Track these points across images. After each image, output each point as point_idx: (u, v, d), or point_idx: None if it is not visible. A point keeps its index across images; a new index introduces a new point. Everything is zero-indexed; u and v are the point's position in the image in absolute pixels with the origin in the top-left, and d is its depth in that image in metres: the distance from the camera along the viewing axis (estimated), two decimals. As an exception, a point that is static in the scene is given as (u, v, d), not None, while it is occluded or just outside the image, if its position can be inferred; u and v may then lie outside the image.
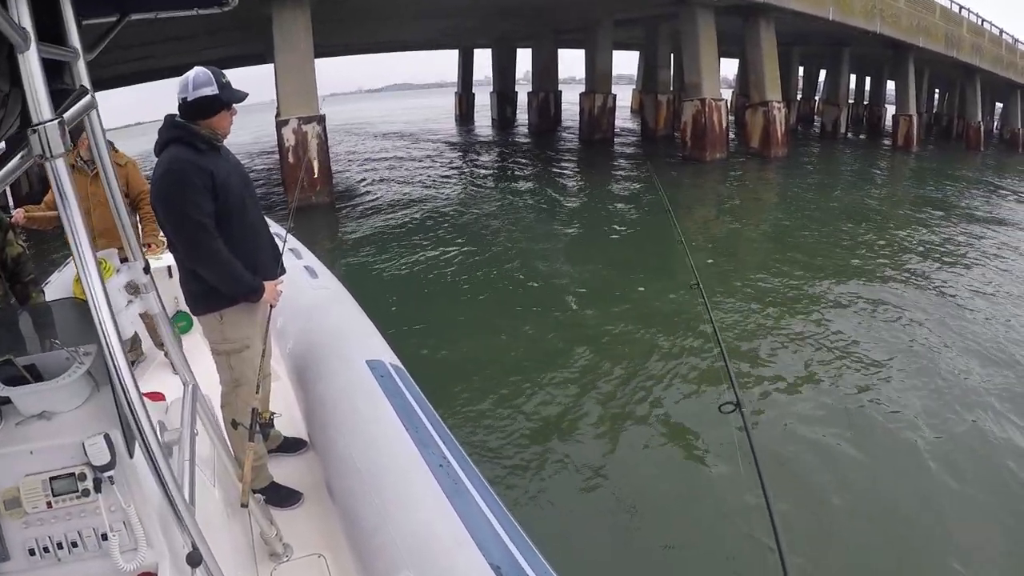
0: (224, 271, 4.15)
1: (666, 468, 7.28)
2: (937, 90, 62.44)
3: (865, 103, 60.49)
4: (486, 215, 20.45)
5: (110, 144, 6.63)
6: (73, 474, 2.51)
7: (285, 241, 5.34)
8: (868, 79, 60.82)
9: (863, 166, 33.28)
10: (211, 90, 4.06)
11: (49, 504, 2.53)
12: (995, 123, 54.94)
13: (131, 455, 2.55)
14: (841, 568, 6.17)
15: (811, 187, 25.82)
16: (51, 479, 2.52)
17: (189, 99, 4.07)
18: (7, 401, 2.66)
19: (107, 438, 2.45)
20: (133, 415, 2.20)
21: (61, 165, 1.93)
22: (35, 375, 2.68)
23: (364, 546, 3.55)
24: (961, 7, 43.65)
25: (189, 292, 4.40)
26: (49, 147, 1.87)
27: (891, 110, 42.96)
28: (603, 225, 19.19)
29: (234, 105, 4.19)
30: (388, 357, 5.10)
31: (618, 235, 18.06)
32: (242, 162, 4.61)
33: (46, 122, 1.85)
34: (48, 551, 2.61)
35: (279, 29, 21.16)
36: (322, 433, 4.60)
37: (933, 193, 25.15)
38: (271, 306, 4.61)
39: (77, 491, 2.52)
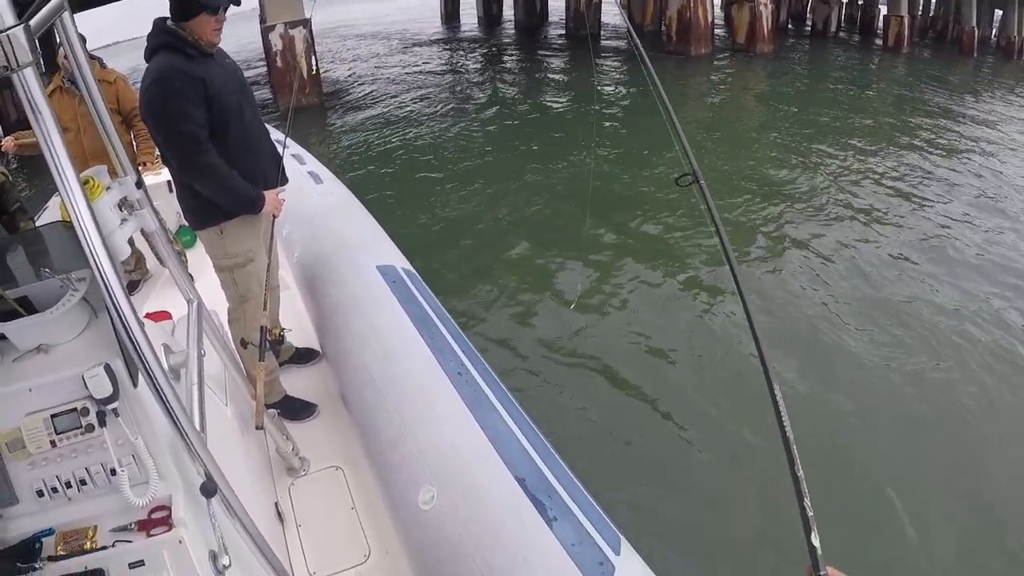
0: (220, 183, 4.11)
1: (682, 372, 7.45)
2: None
3: (859, 2, 59.46)
4: (467, 109, 20.99)
5: (98, 60, 6.79)
6: (75, 409, 2.46)
7: (285, 147, 5.20)
8: None
9: (847, 64, 33.52)
10: None
11: (53, 443, 2.49)
12: (993, 30, 54.61)
13: (135, 384, 2.49)
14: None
15: (790, 82, 26.20)
16: (52, 416, 2.47)
17: None
18: (2, 338, 2.63)
19: (108, 368, 2.39)
20: (133, 342, 2.20)
21: (31, 76, 1.87)
22: (28, 307, 2.65)
23: (384, 460, 3.61)
24: None
25: (187, 207, 4.39)
26: (15, 56, 1.79)
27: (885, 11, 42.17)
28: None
29: (222, 11, 4.01)
30: (399, 262, 5.10)
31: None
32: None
33: (9, 28, 1.76)
34: (57, 491, 2.57)
35: None
36: (335, 343, 4.63)
37: (910, 93, 25.39)
38: (274, 216, 4.57)
39: (80, 427, 2.47)
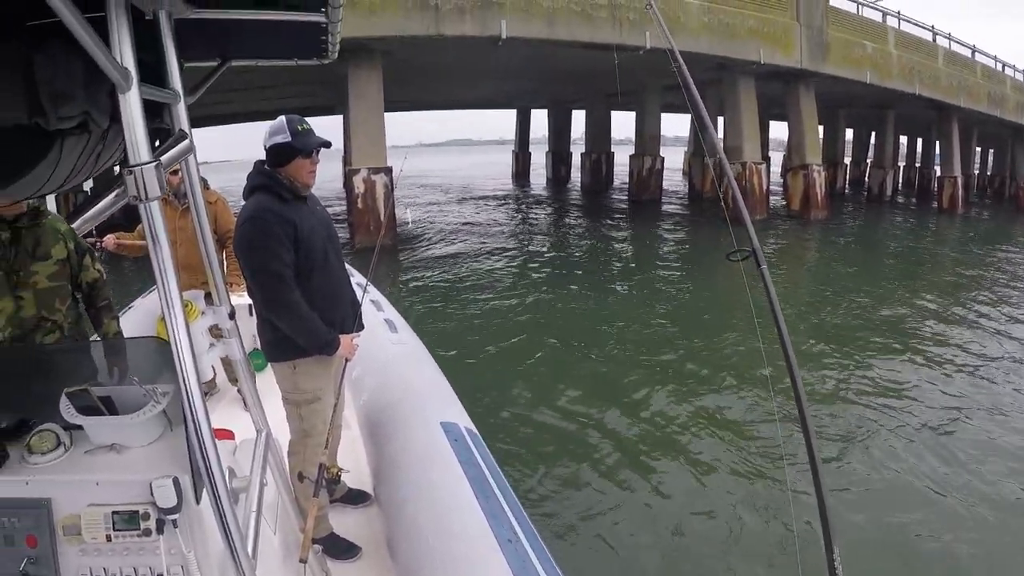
0: (299, 324, 4.19)
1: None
2: (992, 150, 61.59)
3: (917, 165, 59.68)
4: (535, 262, 21.77)
5: (203, 181, 6.65)
6: (136, 512, 2.49)
7: (365, 291, 5.33)
8: (920, 140, 59.87)
9: (901, 226, 34.12)
10: (283, 137, 4.12)
11: (108, 538, 2.51)
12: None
13: (198, 501, 2.53)
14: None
15: (841, 245, 27.08)
16: (114, 513, 2.50)
17: (266, 146, 4.19)
18: (79, 428, 2.68)
19: (176, 481, 2.44)
20: (206, 464, 2.24)
21: (156, 208, 1.98)
22: (110, 407, 2.70)
23: None
24: (1004, 65, 44.19)
25: (264, 339, 4.45)
26: (145, 189, 1.92)
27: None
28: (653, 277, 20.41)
29: (316, 155, 4.22)
30: (463, 421, 5.04)
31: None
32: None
33: (143, 164, 1.89)
34: None
35: (354, 86, 23.01)
36: (389, 491, 4.61)
37: (964, 251, 26.03)
38: (346, 360, 4.63)
39: (139, 529, 2.50)
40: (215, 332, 3.09)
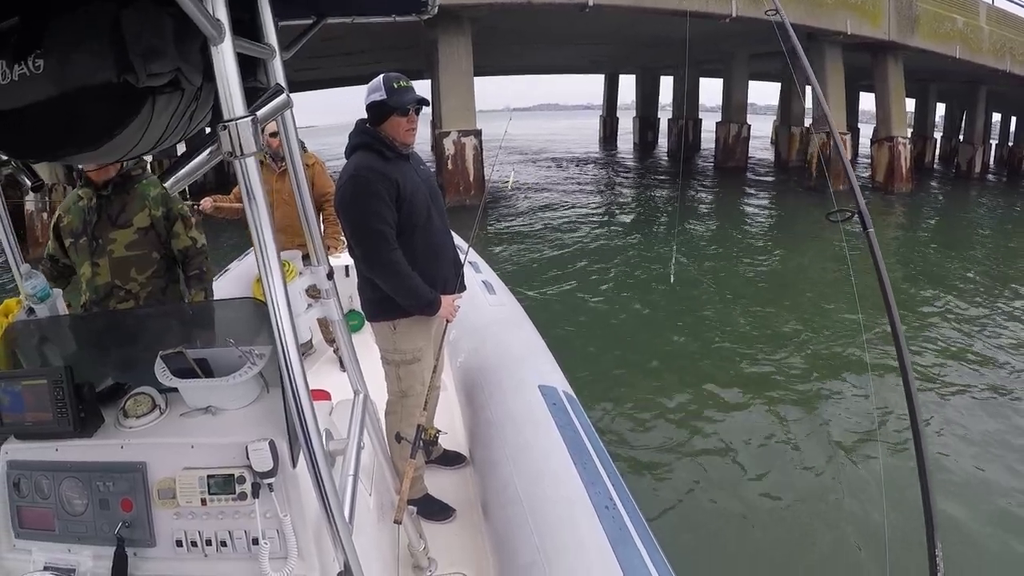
0: (401, 282, 4.16)
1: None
2: None
3: (1010, 144, 56.54)
4: (620, 225, 22.20)
5: (301, 144, 6.74)
6: (232, 475, 2.52)
7: (467, 254, 5.30)
8: (1013, 119, 56.98)
9: (986, 204, 33.38)
10: (379, 95, 4.11)
11: (203, 501, 2.54)
12: None
13: (294, 465, 2.54)
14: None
15: (922, 218, 26.98)
16: (209, 476, 2.53)
17: (365, 104, 4.20)
18: (174, 391, 2.71)
19: (272, 445, 2.45)
20: (303, 427, 2.21)
21: (252, 164, 1.97)
22: (205, 370, 2.71)
23: None
24: None
25: (365, 298, 4.46)
26: (240, 145, 1.89)
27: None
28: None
29: (413, 113, 4.15)
30: (561, 385, 4.95)
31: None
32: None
33: (239, 119, 1.87)
34: (196, 545, 2.60)
35: (444, 51, 23.70)
36: (484, 452, 4.56)
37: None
38: (447, 321, 4.61)
39: (234, 493, 2.52)
40: (312, 293, 3.04)
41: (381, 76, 4.18)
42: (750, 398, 9.21)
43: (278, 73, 2.56)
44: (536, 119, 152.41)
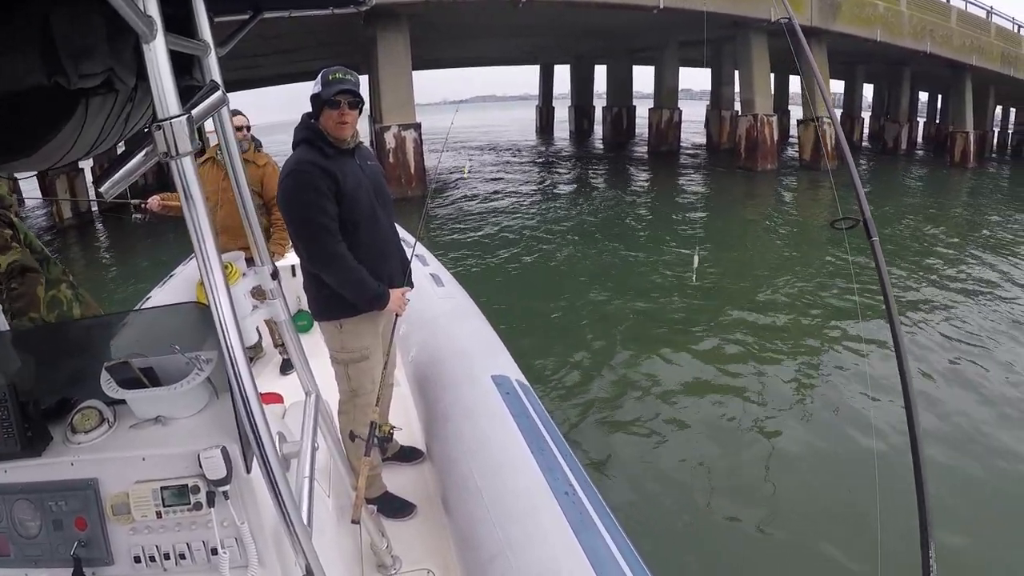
0: (346, 275, 4.09)
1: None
2: (1014, 109, 62.15)
3: (937, 121, 59.95)
4: (558, 211, 22.51)
5: (257, 142, 6.92)
6: (186, 486, 2.46)
7: (414, 249, 5.24)
8: (939, 97, 59.90)
9: (908, 179, 34.72)
10: (315, 88, 4.05)
11: (159, 514, 2.47)
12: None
13: (248, 470, 2.48)
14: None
15: (829, 191, 27.26)
16: (162, 488, 2.46)
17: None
18: (122, 403, 2.61)
19: (224, 451, 2.39)
20: (254, 431, 2.17)
21: (188, 164, 1.91)
22: (152, 379, 2.63)
23: (478, 570, 3.47)
24: (1021, 27, 44.00)
25: (311, 297, 4.37)
26: (175, 144, 1.83)
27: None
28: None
29: (344, 106, 4.02)
30: (514, 373, 4.94)
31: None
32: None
33: (173, 118, 1.81)
34: (154, 559, 2.53)
35: (382, 47, 23.91)
36: (441, 447, 4.48)
37: (974, 205, 26.59)
38: (396, 315, 4.51)
39: (189, 503, 2.46)
40: (257, 294, 2.98)
41: (324, 69, 4.10)
42: (707, 378, 9.23)
43: (214, 70, 2.48)
44: (474, 111, 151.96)
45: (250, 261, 3.05)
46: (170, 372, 2.66)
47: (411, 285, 4.66)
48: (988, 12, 41.58)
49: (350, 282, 4.12)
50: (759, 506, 6.32)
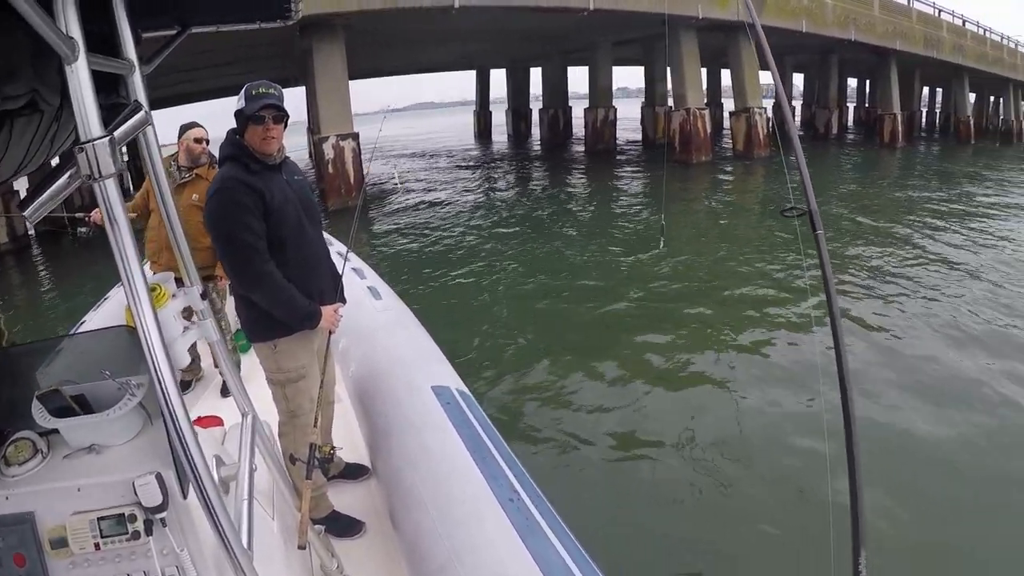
0: (276, 295, 4.00)
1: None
2: (940, 89, 64.63)
3: (866, 105, 63.01)
4: (495, 213, 22.68)
5: (213, 158, 6.58)
6: (123, 515, 2.37)
7: (347, 260, 5.14)
8: (868, 82, 62.80)
9: (837, 162, 35.81)
10: (239, 104, 3.95)
11: (97, 546, 2.39)
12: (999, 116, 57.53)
13: (184, 496, 2.40)
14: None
15: (776, 179, 28.23)
16: (99, 519, 2.37)
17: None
18: (55, 432, 2.54)
19: (159, 478, 2.32)
20: (187, 455, 2.12)
21: (111, 186, 1.88)
22: (85, 406, 2.55)
23: None
24: (940, 10, 45.84)
25: (243, 318, 4.28)
26: (98, 167, 1.80)
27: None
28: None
29: (269, 121, 3.93)
30: (454, 383, 4.91)
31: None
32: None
33: (95, 139, 1.78)
34: None
35: (318, 58, 23.89)
36: (386, 462, 4.44)
37: (906, 182, 27.64)
38: (330, 333, 4.43)
39: (127, 533, 2.37)
40: (189, 315, 2.97)
41: (247, 84, 3.99)
42: (655, 374, 9.09)
43: (138, 89, 2.42)
44: (413, 118, 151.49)
45: (180, 281, 3.02)
46: (102, 399, 2.57)
47: (343, 301, 4.58)
48: (909, -1, 43.02)
49: (280, 302, 4.04)
50: (709, 505, 6.32)
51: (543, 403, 8.28)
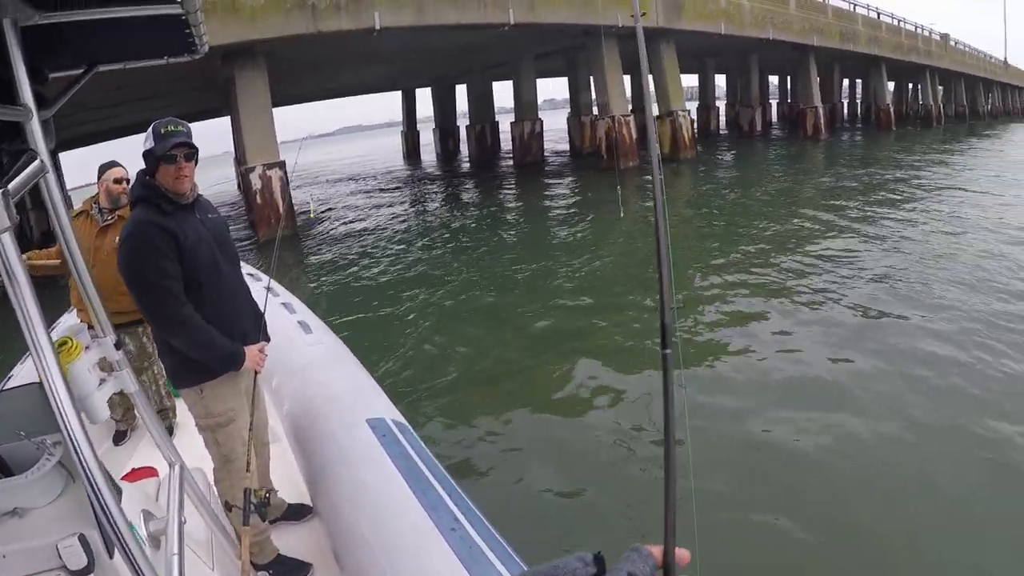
0: (196, 338, 3.89)
1: None
2: (860, 80, 66.68)
3: (789, 101, 64.31)
4: (426, 235, 22.49)
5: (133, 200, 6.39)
6: None
7: (268, 294, 5.06)
8: (789, 78, 63.69)
9: (761, 158, 37.09)
10: (148, 144, 3.82)
11: None
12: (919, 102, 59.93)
13: (111, 555, 2.30)
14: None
15: (708, 179, 29.78)
16: None
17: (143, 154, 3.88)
18: None
19: (83, 539, 2.23)
20: (107, 516, 2.05)
21: (7, 240, 1.82)
22: (5, 469, 2.50)
23: None
24: (855, 5, 47.62)
25: (167, 365, 4.15)
26: None
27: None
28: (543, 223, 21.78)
29: (181, 159, 3.83)
30: (389, 413, 4.84)
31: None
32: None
33: None
34: None
35: (241, 87, 23.51)
36: (326, 500, 4.32)
37: (832, 171, 28.96)
38: (256, 372, 4.30)
39: None
40: (105, 366, 2.85)
41: (154, 123, 3.86)
42: (583, 392, 8.89)
43: (37, 135, 2.33)
44: (341, 142, 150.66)
45: (93, 330, 2.94)
46: (21, 460, 2.51)
47: (267, 339, 4.47)
48: (824, -6, 44.58)
49: (200, 345, 3.92)
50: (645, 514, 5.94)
51: (482, 427, 8.16)
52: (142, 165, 3.91)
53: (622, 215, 14.44)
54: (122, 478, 3.28)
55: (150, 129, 3.82)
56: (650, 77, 36.56)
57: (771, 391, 8.28)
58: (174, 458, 3.11)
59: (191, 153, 3.87)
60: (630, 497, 6.31)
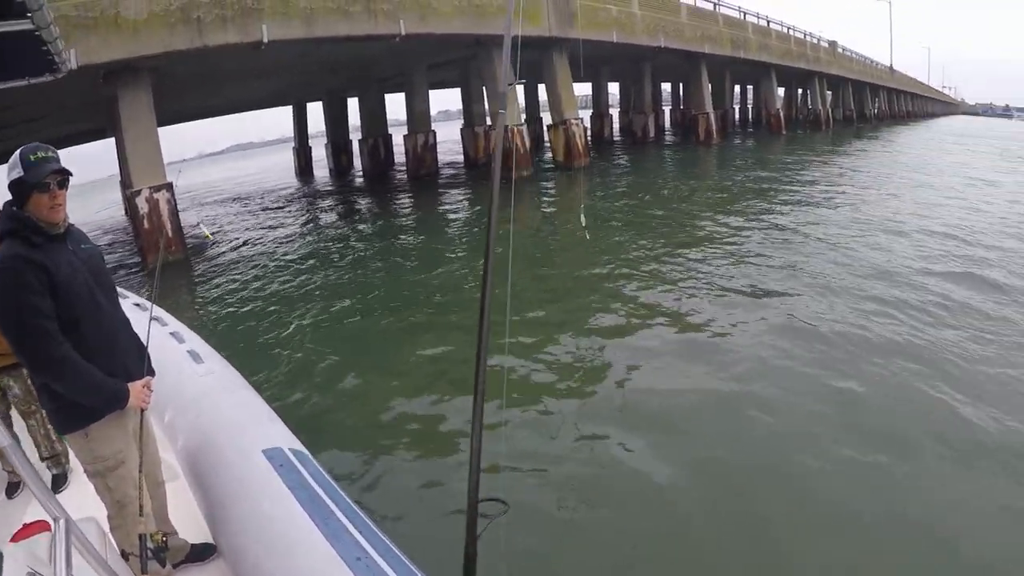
0: (76, 379, 3.68)
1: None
2: (751, 86, 68.73)
3: (682, 107, 66.35)
4: (317, 254, 22.22)
5: None
6: None
7: (154, 319, 4.93)
8: (682, 85, 65.49)
9: (654, 164, 38.28)
10: (16, 173, 3.63)
11: None
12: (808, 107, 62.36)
13: None
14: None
15: (600, 185, 30.47)
16: None
17: (7, 184, 3.72)
18: None
19: None
20: None
21: None
22: None
23: None
24: (746, 13, 49.49)
25: (48, 410, 3.94)
26: None
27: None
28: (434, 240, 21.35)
29: (55, 187, 3.66)
30: (287, 442, 4.71)
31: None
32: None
33: None
34: None
35: (124, 106, 22.70)
36: (227, 537, 4.23)
37: (726, 175, 30.04)
38: (142, 410, 4.09)
39: None
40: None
41: (19, 150, 3.66)
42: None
43: None
44: (234, 160, 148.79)
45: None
46: None
47: (152, 373, 4.26)
48: (715, 4, 46.61)
49: (81, 386, 3.71)
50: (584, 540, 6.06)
51: (389, 449, 8.03)
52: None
53: (587, 237, 15.41)
54: (15, 534, 3.07)
55: (16, 156, 3.62)
56: (522, 87, 37.37)
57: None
58: (58, 512, 2.84)
59: (64, 180, 3.70)
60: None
